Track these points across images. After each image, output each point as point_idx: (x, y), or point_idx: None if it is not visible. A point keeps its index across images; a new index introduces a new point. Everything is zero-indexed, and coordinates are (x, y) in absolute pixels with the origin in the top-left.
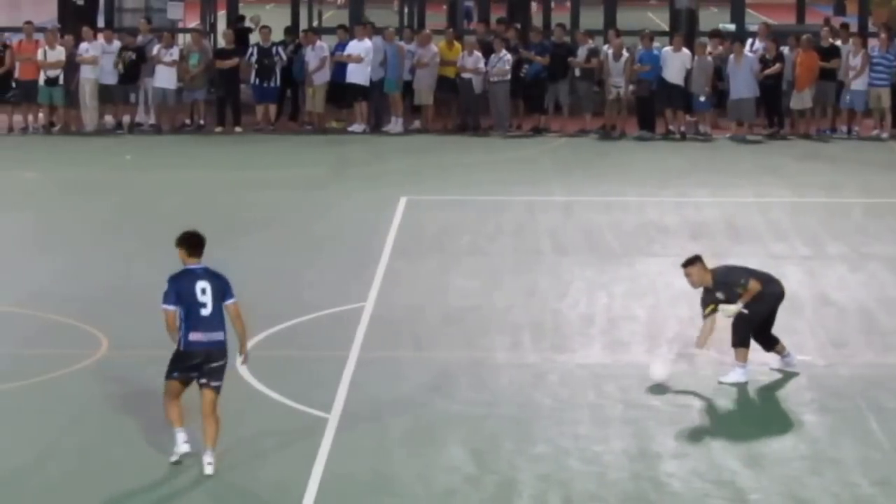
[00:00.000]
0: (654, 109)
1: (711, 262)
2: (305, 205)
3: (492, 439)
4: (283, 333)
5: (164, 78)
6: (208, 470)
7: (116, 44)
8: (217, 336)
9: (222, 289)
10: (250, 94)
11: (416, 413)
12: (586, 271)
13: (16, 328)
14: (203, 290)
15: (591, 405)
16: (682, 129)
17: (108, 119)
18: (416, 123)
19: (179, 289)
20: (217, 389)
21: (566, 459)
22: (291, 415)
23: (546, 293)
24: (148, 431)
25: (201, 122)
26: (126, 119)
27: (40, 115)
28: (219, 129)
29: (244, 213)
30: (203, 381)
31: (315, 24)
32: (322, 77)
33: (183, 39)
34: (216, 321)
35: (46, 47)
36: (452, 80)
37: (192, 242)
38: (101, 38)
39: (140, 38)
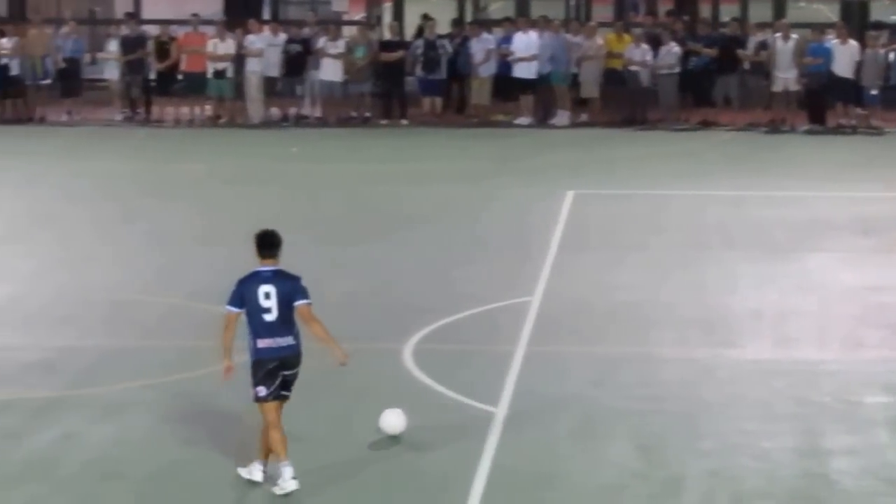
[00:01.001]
0: (825, 103)
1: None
2: (471, 198)
3: (659, 435)
4: (448, 327)
5: (331, 71)
6: (259, 477)
7: (282, 36)
8: (286, 341)
9: (289, 292)
10: (416, 86)
11: (582, 408)
12: (754, 266)
13: (185, 321)
14: (266, 295)
15: (760, 401)
16: (853, 122)
17: (274, 111)
18: (583, 116)
19: (244, 292)
20: (285, 399)
21: (735, 456)
22: (458, 408)
23: (714, 288)
24: (310, 421)
25: (367, 114)
26: (291, 112)
27: (207, 107)
28: (384, 121)
29: (409, 206)
30: (284, 392)
31: (481, 16)
32: (488, 69)
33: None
34: (284, 326)
35: (217, 40)
36: (619, 73)
37: (261, 243)
38: (266, 30)
39: (306, 31)
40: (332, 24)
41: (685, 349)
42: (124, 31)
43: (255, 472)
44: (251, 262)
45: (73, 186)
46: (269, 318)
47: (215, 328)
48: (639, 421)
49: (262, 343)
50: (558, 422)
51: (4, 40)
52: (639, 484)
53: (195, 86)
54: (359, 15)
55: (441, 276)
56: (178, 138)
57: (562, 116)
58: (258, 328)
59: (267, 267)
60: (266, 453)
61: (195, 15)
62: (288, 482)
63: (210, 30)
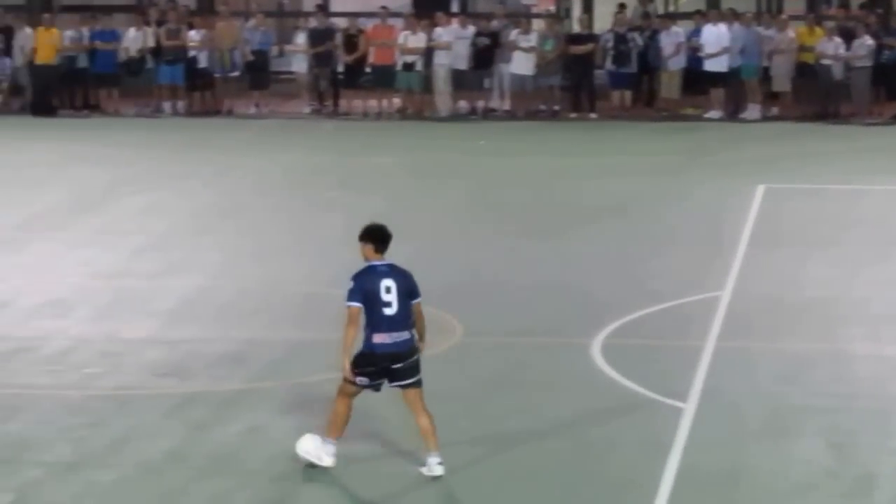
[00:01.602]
0: None
1: None
2: (660, 192)
3: (850, 432)
4: (637, 322)
5: (521, 64)
6: (439, 471)
7: (471, 29)
8: (403, 336)
9: (409, 286)
10: (605, 79)
11: (772, 405)
12: None
13: None
14: (388, 289)
15: None
16: None
17: (462, 104)
18: (774, 110)
19: (364, 286)
20: (417, 384)
21: None
22: (646, 404)
23: None
24: (498, 415)
25: (555, 108)
26: (479, 105)
27: (395, 100)
28: (573, 115)
29: (597, 200)
30: (396, 383)
31: (671, 9)
32: (677, 63)
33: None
34: (403, 321)
35: (408, 32)
36: (811, 66)
37: (380, 237)
38: (455, 23)
39: (494, 24)
40: (522, 17)
41: (877, 346)
42: (313, 23)
43: (327, 456)
44: (438, 255)
45: (263, 178)
46: (389, 311)
47: None
48: (829, 418)
49: (378, 338)
50: (747, 418)
51: (193, 33)
52: (830, 482)
53: (383, 78)
54: (547, 8)
55: (630, 271)
56: (365, 131)
57: (752, 110)
58: (377, 322)
59: (381, 261)
60: (337, 432)
61: (384, 8)
62: (327, 459)
63: (398, 22)
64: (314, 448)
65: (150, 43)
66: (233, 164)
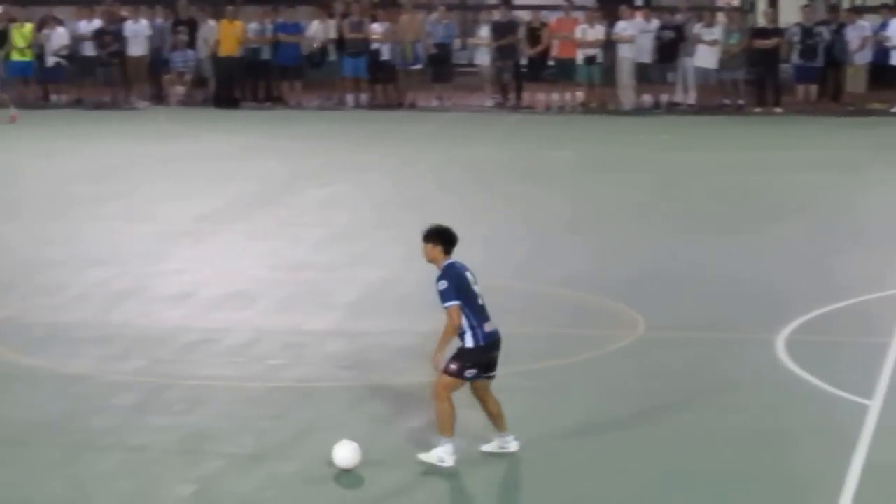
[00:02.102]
0: None
1: None
2: (845, 187)
3: None
4: (822, 318)
5: (705, 57)
6: (515, 446)
7: (655, 22)
8: (495, 325)
9: (475, 278)
10: (790, 73)
11: None
12: None
13: (555, 308)
14: (473, 281)
15: None
16: None
17: (646, 98)
18: None
19: (458, 283)
20: (492, 378)
21: None
22: (830, 401)
23: None
24: (677, 410)
25: (740, 102)
26: (663, 98)
27: (577, 93)
28: (758, 109)
29: (781, 195)
30: (488, 374)
31: (858, 2)
32: (863, 57)
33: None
34: (487, 310)
35: (586, 25)
36: None
37: (450, 239)
38: (638, 16)
39: (678, 17)
40: (706, 11)
41: None
42: (496, 16)
43: (448, 456)
44: (619, 249)
45: (444, 172)
46: (480, 301)
47: (587, 316)
48: None
49: (488, 327)
50: None
51: (376, 25)
52: None
53: (565, 72)
54: (729, 1)
55: (814, 266)
56: (548, 124)
57: None
58: (478, 313)
59: (452, 260)
60: (449, 430)
61: (568, 1)
62: (449, 456)
63: (582, 16)
64: (435, 451)
65: (333, 35)
66: (414, 156)
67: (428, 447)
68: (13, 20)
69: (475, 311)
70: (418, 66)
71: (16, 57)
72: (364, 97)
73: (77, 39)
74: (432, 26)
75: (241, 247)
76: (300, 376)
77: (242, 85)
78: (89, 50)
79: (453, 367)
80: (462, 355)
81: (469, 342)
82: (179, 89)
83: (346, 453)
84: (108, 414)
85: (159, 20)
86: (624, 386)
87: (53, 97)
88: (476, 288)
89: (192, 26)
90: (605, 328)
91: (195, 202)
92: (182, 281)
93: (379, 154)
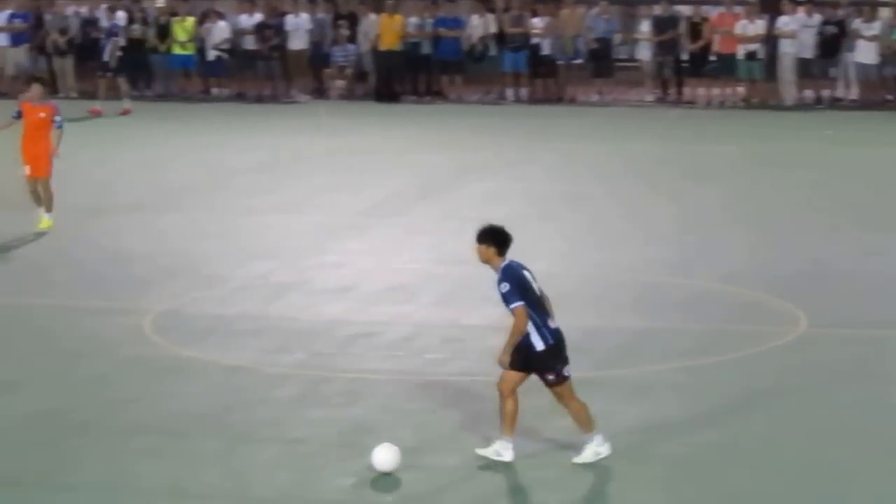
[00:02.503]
0: None
1: None
2: None
3: None
4: None
5: (865, 53)
6: (605, 450)
7: (817, 17)
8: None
9: (534, 275)
10: None
11: None
12: None
13: (715, 304)
14: (532, 279)
15: None
16: None
17: (807, 94)
18: None
19: (520, 283)
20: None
21: None
22: None
23: None
24: (842, 410)
25: None
26: (825, 94)
27: (739, 88)
28: None
29: None
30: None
31: None
32: None
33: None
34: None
35: (746, 21)
36: None
37: (505, 240)
38: (800, 11)
39: (840, 12)
40: (867, 6)
41: None
42: (657, 11)
43: (507, 451)
44: (780, 244)
45: (605, 167)
46: (541, 299)
47: (748, 313)
48: None
49: (553, 324)
50: None
51: (536, 20)
52: None
53: (726, 67)
54: None
55: None
56: (709, 119)
57: None
58: (541, 312)
59: (509, 259)
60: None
61: None
62: (602, 447)
63: (743, 10)
64: (493, 445)
65: (493, 30)
66: (574, 151)
67: (580, 444)
68: (175, 14)
69: (538, 310)
70: (579, 61)
71: (177, 50)
72: (524, 92)
73: (238, 33)
74: (593, 21)
75: (401, 240)
76: (459, 370)
77: (403, 79)
78: (250, 44)
79: (551, 376)
80: (542, 360)
81: (539, 344)
82: (340, 83)
83: (386, 457)
84: (267, 406)
85: (320, 14)
86: (782, 383)
87: (214, 91)
88: (536, 286)
89: (353, 20)
90: (766, 325)
91: (355, 195)
92: (342, 274)
93: (539, 149)
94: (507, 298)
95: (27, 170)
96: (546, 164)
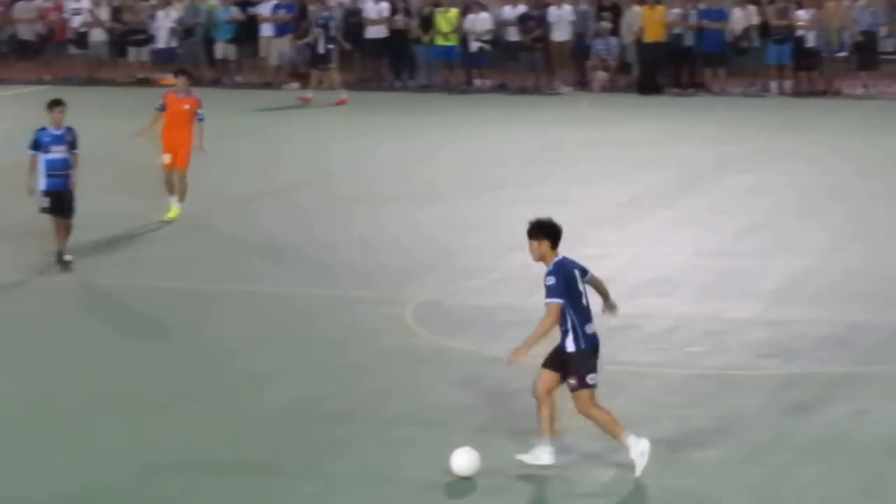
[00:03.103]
0: None
1: None
2: None
3: None
4: None
5: None
6: (643, 447)
7: None
8: (595, 327)
9: (584, 271)
10: None
11: None
12: None
13: None
14: (580, 278)
15: None
16: None
17: None
18: None
19: (568, 281)
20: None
21: None
22: None
23: None
24: None
25: None
26: None
27: None
28: None
29: None
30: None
31: None
32: None
33: None
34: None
35: None
36: None
37: (556, 233)
38: None
39: None
40: None
41: None
42: None
43: (545, 455)
44: None
45: (869, 160)
46: (584, 302)
47: None
48: None
49: (590, 329)
50: None
51: (801, 12)
52: None
53: None
54: None
55: None
56: None
57: None
58: (582, 314)
59: (563, 255)
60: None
61: None
62: (639, 444)
63: None
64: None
65: (756, 21)
66: (838, 145)
67: (850, 437)
68: (438, 5)
69: (578, 310)
70: (843, 54)
71: (440, 41)
72: (788, 84)
73: (500, 24)
74: (859, 13)
75: (663, 233)
76: (721, 364)
77: (665, 71)
78: (513, 35)
79: (573, 381)
80: (573, 364)
81: (570, 346)
82: (602, 75)
83: (464, 461)
84: (527, 397)
85: (583, 6)
86: None
87: (476, 82)
88: (581, 286)
89: (616, 12)
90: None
91: (616, 187)
92: (603, 266)
93: (802, 141)
94: (548, 292)
95: (166, 158)
96: (809, 156)
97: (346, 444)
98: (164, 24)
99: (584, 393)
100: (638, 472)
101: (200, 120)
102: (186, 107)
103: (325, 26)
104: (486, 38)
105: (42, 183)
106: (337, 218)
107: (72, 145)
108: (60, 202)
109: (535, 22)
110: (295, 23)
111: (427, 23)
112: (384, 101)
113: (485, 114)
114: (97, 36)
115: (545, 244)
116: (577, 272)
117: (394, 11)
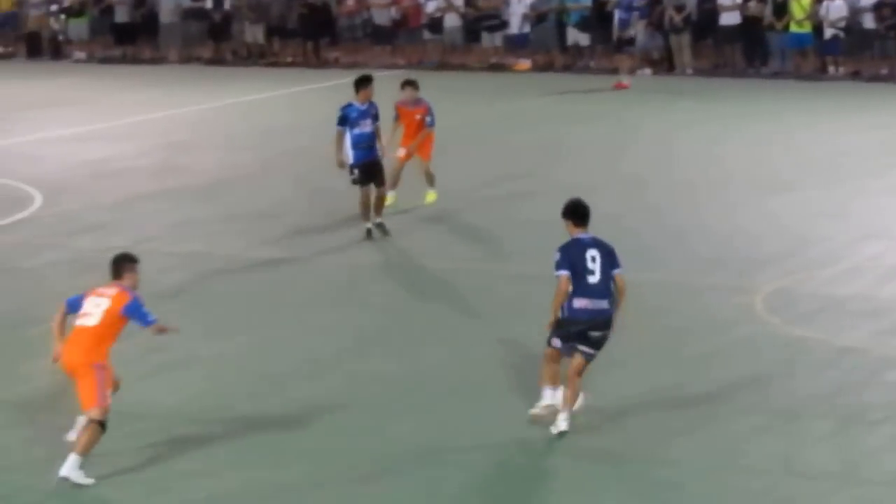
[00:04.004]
0: None
1: None
2: None
3: None
4: None
5: None
6: (562, 426)
7: None
8: (602, 304)
9: (612, 258)
10: None
11: None
12: None
13: None
14: (593, 258)
15: None
16: None
17: None
18: None
19: (571, 256)
20: (589, 357)
21: None
22: None
23: None
24: None
25: None
26: None
27: None
28: None
29: None
30: (585, 348)
31: None
32: None
33: None
34: (603, 290)
35: None
36: None
37: (578, 213)
38: None
39: None
40: None
41: None
42: None
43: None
44: None
45: None
46: (592, 280)
47: None
48: None
49: (579, 303)
50: None
51: None
52: None
53: None
54: None
55: None
56: None
57: None
58: (581, 289)
59: (585, 234)
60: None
61: None
62: (545, 401)
63: None
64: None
65: None
66: None
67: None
68: None
69: (577, 285)
70: None
71: (794, 28)
72: None
73: (856, 12)
74: None
75: None
76: None
77: None
78: (868, 22)
79: (550, 337)
80: (555, 324)
81: (562, 313)
82: None
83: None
84: (879, 388)
85: None
86: None
87: (830, 70)
88: (593, 266)
89: None
90: None
91: None
92: None
93: None
94: (553, 266)
95: (401, 152)
96: None
97: (693, 432)
98: (517, 10)
99: (546, 349)
100: (555, 430)
101: (430, 126)
102: (418, 116)
103: (634, 9)
104: (841, 25)
105: (351, 157)
106: (687, 206)
107: (375, 118)
108: (371, 173)
109: (890, 9)
110: (649, 8)
111: (781, 9)
112: (737, 88)
113: (838, 102)
114: (451, 21)
115: (569, 223)
116: (594, 253)
117: None
